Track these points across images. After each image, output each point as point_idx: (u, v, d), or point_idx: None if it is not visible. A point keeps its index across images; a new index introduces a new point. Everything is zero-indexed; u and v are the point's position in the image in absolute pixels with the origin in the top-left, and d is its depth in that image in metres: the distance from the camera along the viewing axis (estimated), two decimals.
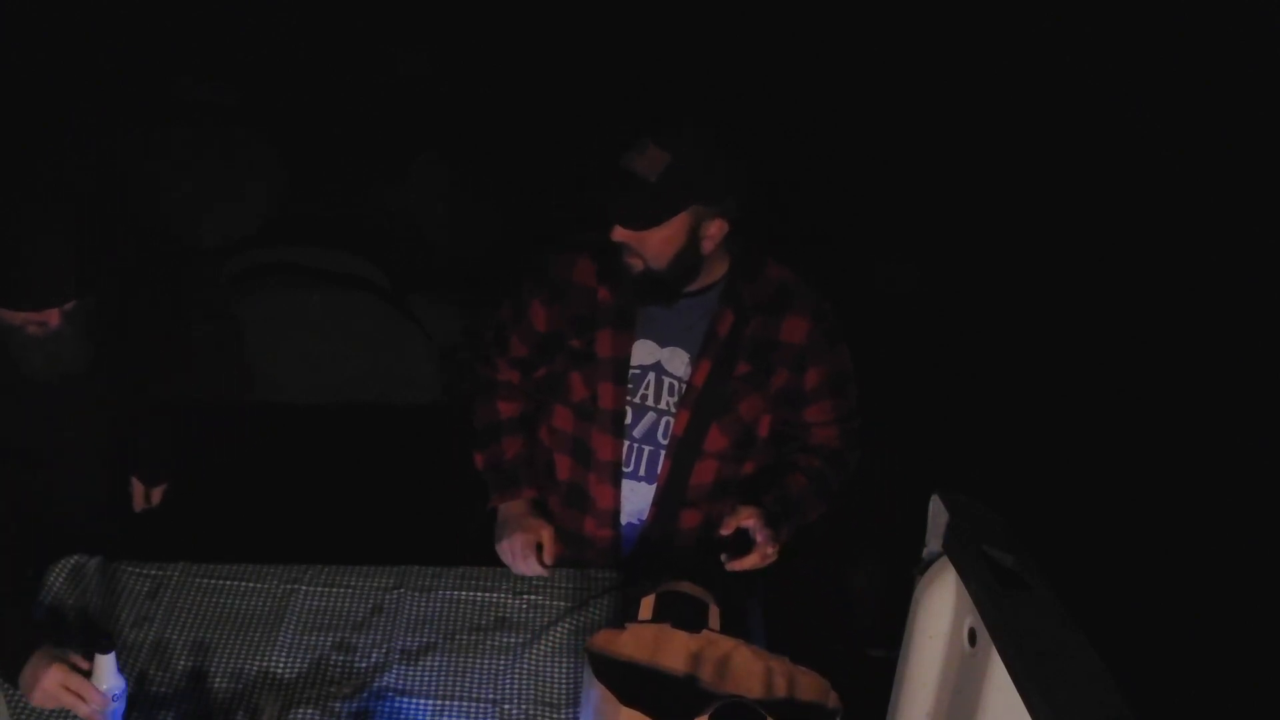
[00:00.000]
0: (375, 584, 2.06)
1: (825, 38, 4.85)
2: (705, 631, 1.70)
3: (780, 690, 1.66)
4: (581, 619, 1.99)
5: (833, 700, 1.60)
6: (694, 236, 1.87)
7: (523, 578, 2.08)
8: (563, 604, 2.02)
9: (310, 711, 1.75)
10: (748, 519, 1.89)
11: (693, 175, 1.82)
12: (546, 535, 2.07)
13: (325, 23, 4.79)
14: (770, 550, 1.91)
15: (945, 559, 1.52)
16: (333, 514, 3.30)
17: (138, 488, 2.43)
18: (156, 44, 4.58)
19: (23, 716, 1.70)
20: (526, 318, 2.08)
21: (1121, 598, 2.86)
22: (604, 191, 1.85)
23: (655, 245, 1.86)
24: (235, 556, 2.09)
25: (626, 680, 1.61)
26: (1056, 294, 4.39)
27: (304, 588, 2.04)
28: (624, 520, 2.11)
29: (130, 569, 2.05)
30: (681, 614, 1.72)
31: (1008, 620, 1.31)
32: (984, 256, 4.51)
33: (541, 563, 2.06)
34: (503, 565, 2.11)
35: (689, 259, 1.89)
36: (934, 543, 1.56)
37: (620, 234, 1.86)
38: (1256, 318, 4.14)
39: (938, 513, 1.55)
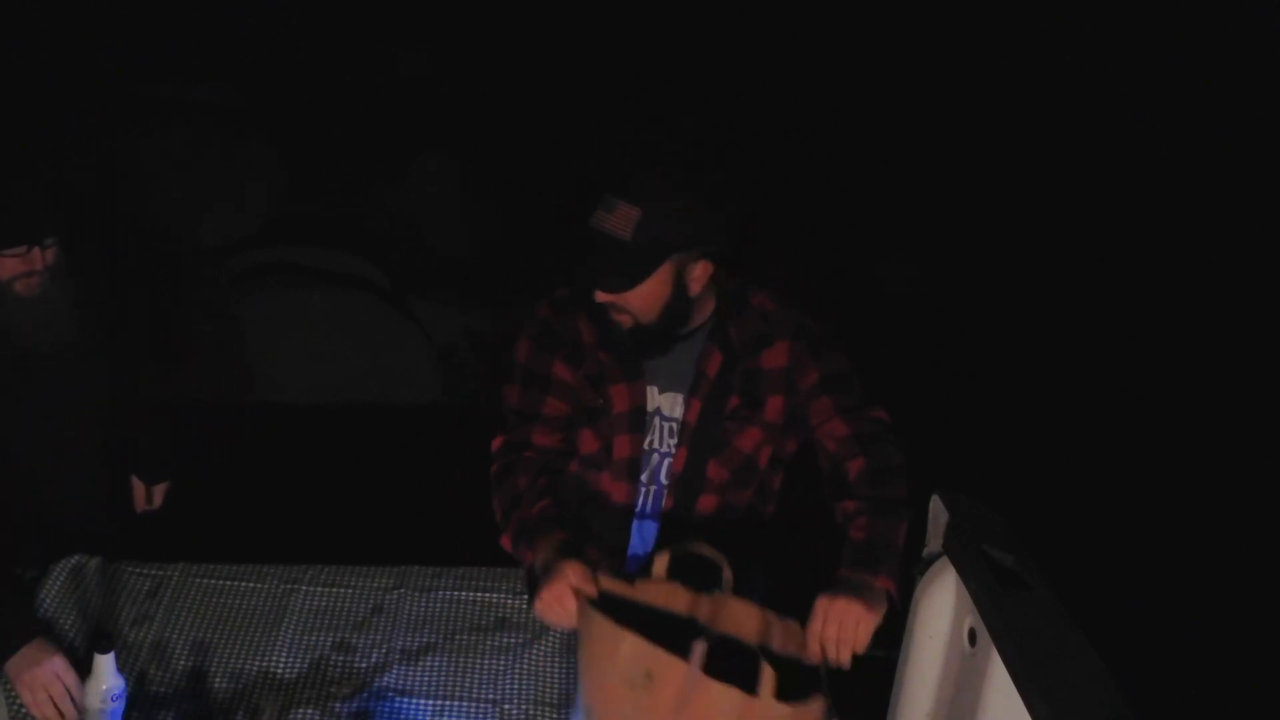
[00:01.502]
0: (375, 584, 2.06)
1: (825, 37, 4.85)
2: (716, 594, 1.64)
3: (776, 640, 1.63)
4: None
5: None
6: (680, 283, 1.83)
7: (523, 578, 2.08)
8: None
9: (310, 711, 1.75)
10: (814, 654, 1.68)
11: (667, 226, 1.77)
12: (573, 573, 1.77)
13: (326, 23, 4.79)
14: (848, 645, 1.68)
15: (945, 559, 1.52)
16: (333, 514, 3.30)
17: (138, 487, 2.43)
18: (156, 44, 4.58)
19: (23, 716, 1.70)
20: (554, 377, 1.98)
21: (1121, 598, 2.86)
22: (579, 256, 1.81)
23: (641, 300, 1.82)
24: (235, 556, 2.09)
25: (622, 612, 1.56)
26: (1056, 294, 4.39)
27: (304, 588, 2.04)
28: (630, 552, 2.09)
29: (130, 569, 2.05)
30: (694, 574, 1.65)
31: (1008, 620, 1.31)
32: (984, 257, 4.51)
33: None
34: (503, 565, 2.11)
35: (678, 306, 1.86)
36: (934, 543, 1.56)
37: (604, 295, 1.82)
38: (1256, 318, 4.14)
39: (938, 513, 1.55)
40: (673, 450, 1.99)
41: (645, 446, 1.99)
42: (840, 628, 1.60)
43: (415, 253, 4.63)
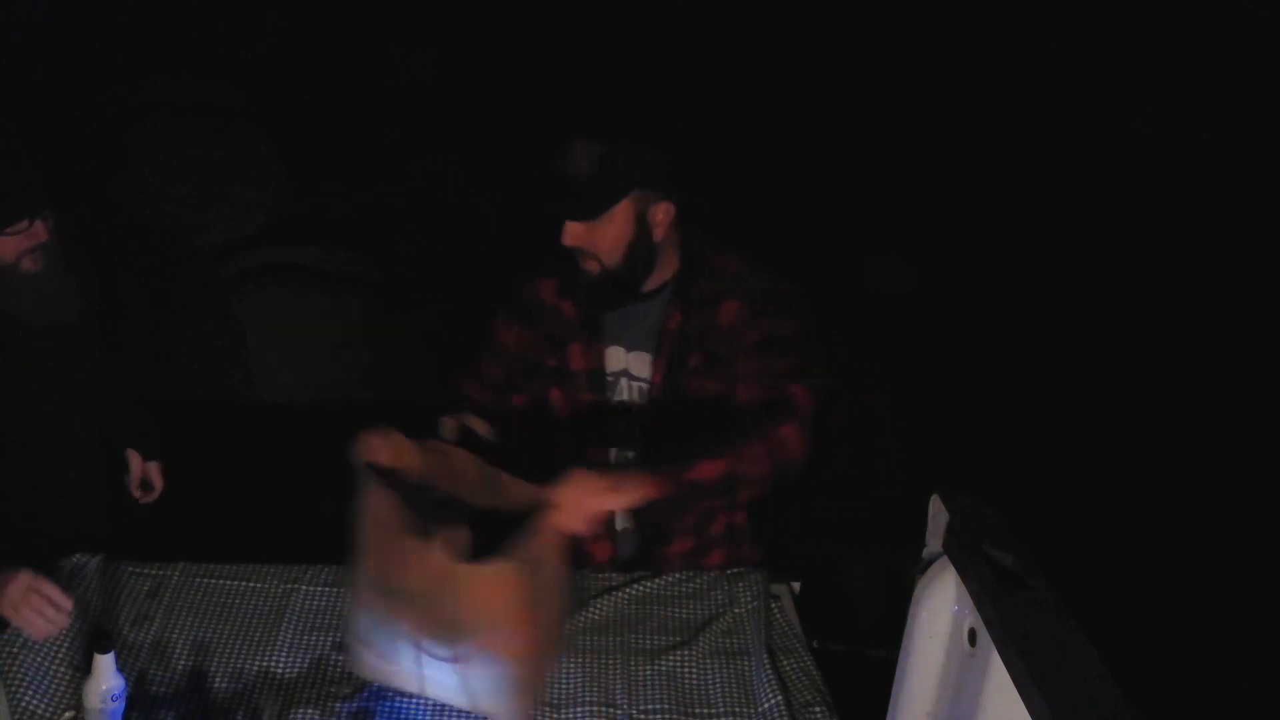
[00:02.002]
0: None
1: (824, 33, 4.85)
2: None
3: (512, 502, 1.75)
4: (582, 619, 1.99)
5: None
6: (643, 224, 1.90)
7: None
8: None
9: (310, 711, 1.75)
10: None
11: (628, 160, 1.86)
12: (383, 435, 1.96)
13: (326, 23, 4.79)
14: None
15: (945, 559, 1.52)
16: (333, 514, 3.30)
17: (135, 465, 2.41)
18: (156, 43, 4.58)
19: (23, 716, 1.70)
20: (495, 340, 2.12)
21: (1121, 598, 2.87)
22: (546, 195, 1.88)
23: (607, 241, 1.89)
24: (235, 556, 2.09)
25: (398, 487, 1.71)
26: (1056, 294, 4.39)
27: (304, 588, 2.04)
28: (618, 525, 2.13)
29: (130, 569, 2.05)
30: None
31: (1008, 620, 1.31)
32: (984, 256, 4.51)
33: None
34: None
35: (642, 249, 1.92)
36: (934, 543, 1.56)
37: (571, 236, 1.89)
38: (1256, 317, 4.14)
39: (938, 513, 1.55)
40: (642, 409, 2.02)
41: (614, 406, 2.03)
42: (580, 497, 1.69)
43: (414, 252, 4.63)
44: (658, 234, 1.92)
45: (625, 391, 2.06)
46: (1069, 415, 3.92)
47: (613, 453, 2.07)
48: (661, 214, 1.91)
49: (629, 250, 1.91)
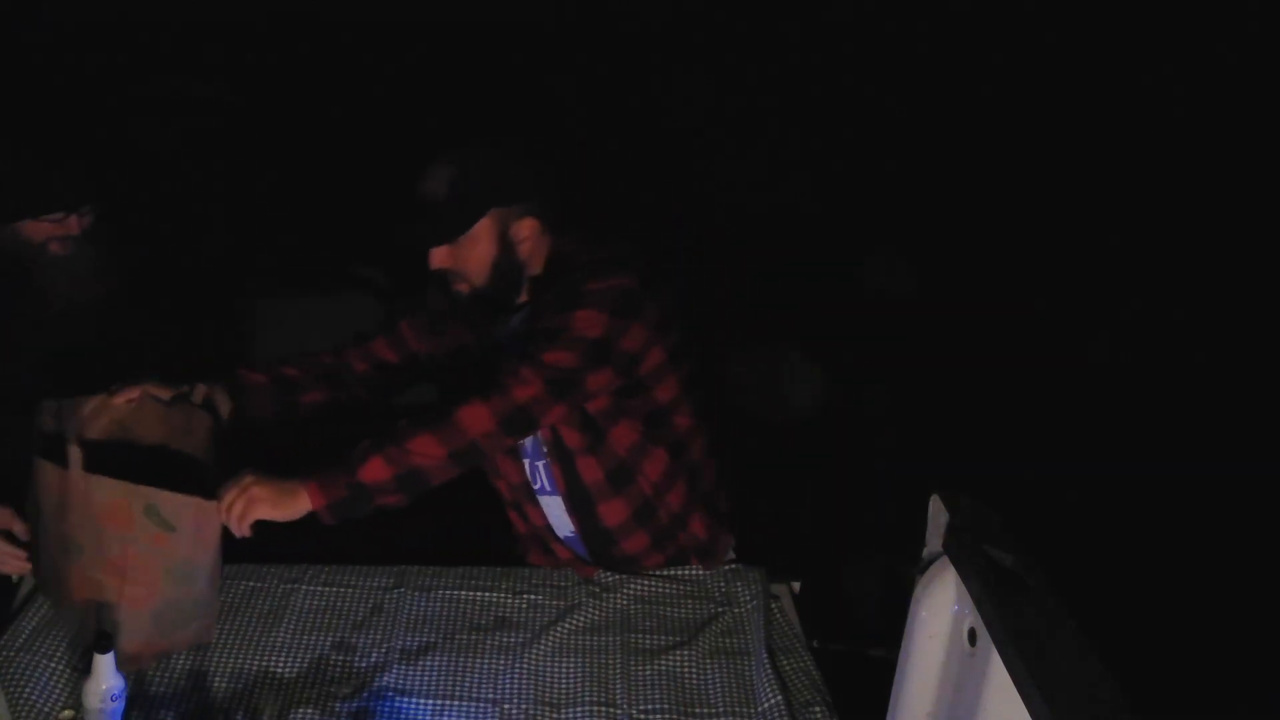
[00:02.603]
0: (375, 584, 2.06)
1: (824, 33, 4.85)
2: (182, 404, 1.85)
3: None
4: (581, 619, 1.99)
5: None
6: (506, 242, 1.89)
7: (523, 577, 2.09)
8: (562, 604, 2.02)
9: (310, 711, 1.75)
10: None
11: (481, 181, 1.85)
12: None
13: (327, 22, 4.79)
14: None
15: (945, 559, 1.52)
16: None
17: None
18: (157, 43, 4.58)
19: (23, 716, 1.70)
20: (398, 330, 2.13)
21: (1121, 598, 2.86)
22: (404, 223, 1.89)
23: (473, 263, 1.89)
24: (235, 556, 2.09)
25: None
26: (1056, 294, 4.39)
27: (304, 588, 2.04)
28: (560, 534, 2.14)
29: None
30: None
31: (1008, 620, 1.31)
32: (983, 256, 4.51)
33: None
34: (503, 565, 2.12)
35: (507, 267, 1.91)
36: (934, 543, 1.56)
37: (436, 260, 1.90)
38: (1256, 317, 4.14)
39: (938, 513, 1.55)
40: None
41: None
42: (242, 503, 1.69)
43: (415, 253, 4.63)
44: (523, 250, 1.91)
45: None
46: (1069, 415, 3.91)
47: (528, 466, 2.07)
48: (526, 230, 1.90)
49: (494, 269, 1.90)
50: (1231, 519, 3.47)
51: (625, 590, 2.06)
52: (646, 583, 2.08)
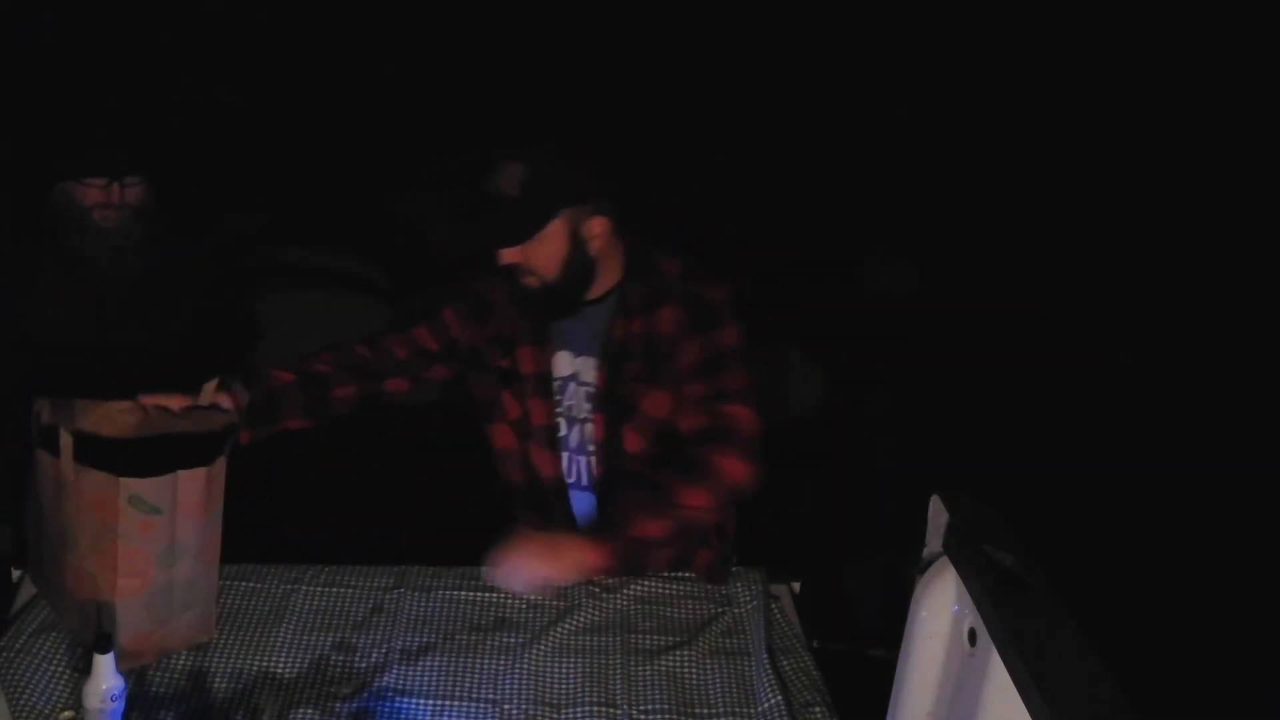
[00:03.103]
0: (375, 584, 2.06)
1: (824, 34, 4.85)
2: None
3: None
4: (581, 619, 1.99)
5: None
6: (577, 240, 1.91)
7: None
8: (562, 604, 2.02)
9: (310, 712, 1.75)
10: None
11: (553, 180, 1.86)
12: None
13: (327, 22, 4.79)
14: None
15: (945, 559, 1.52)
16: (333, 514, 3.30)
17: None
18: (157, 43, 4.57)
19: (23, 717, 1.70)
20: (439, 317, 2.12)
21: (1121, 598, 2.86)
22: (473, 221, 1.89)
23: (542, 258, 1.90)
24: (235, 556, 2.09)
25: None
26: (1057, 293, 4.39)
27: (304, 588, 2.04)
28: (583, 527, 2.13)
29: None
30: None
31: (1008, 620, 1.31)
32: (983, 256, 4.51)
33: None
34: None
35: (579, 263, 1.92)
36: (934, 543, 1.56)
37: (504, 256, 1.90)
38: (1256, 317, 4.14)
39: (938, 513, 1.55)
40: (590, 416, 2.01)
41: (565, 413, 2.03)
42: (524, 562, 1.79)
43: (416, 253, 4.63)
44: (594, 246, 1.93)
45: (573, 396, 2.06)
46: (1069, 415, 3.91)
47: (566, 458, 2.07)
48: (596, 227, 1.92)
49: (566, 265, 1.92)
50: (1231, 519, 3.47)
51: (625, 591, 2.06)
52: (646, 583, 2.08)
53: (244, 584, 2.04)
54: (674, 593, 2.07)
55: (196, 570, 1.81)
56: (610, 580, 2.08)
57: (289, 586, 2.04)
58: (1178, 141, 4.52)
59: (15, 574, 2.00)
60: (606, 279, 2.00)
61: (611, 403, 2.01)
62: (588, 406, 2.04)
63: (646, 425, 2.01)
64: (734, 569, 2.14)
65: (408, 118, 4.82)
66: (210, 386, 1.90)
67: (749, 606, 2.03)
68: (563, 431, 2.06)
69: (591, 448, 2.05)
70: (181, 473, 1.72)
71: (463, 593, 2.04)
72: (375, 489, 3.56)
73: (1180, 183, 4.51)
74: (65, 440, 1.68)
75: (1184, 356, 4.07)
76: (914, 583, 1.58)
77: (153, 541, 1.73)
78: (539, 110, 4.56)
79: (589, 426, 2.05)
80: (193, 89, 4.64)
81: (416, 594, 2.04)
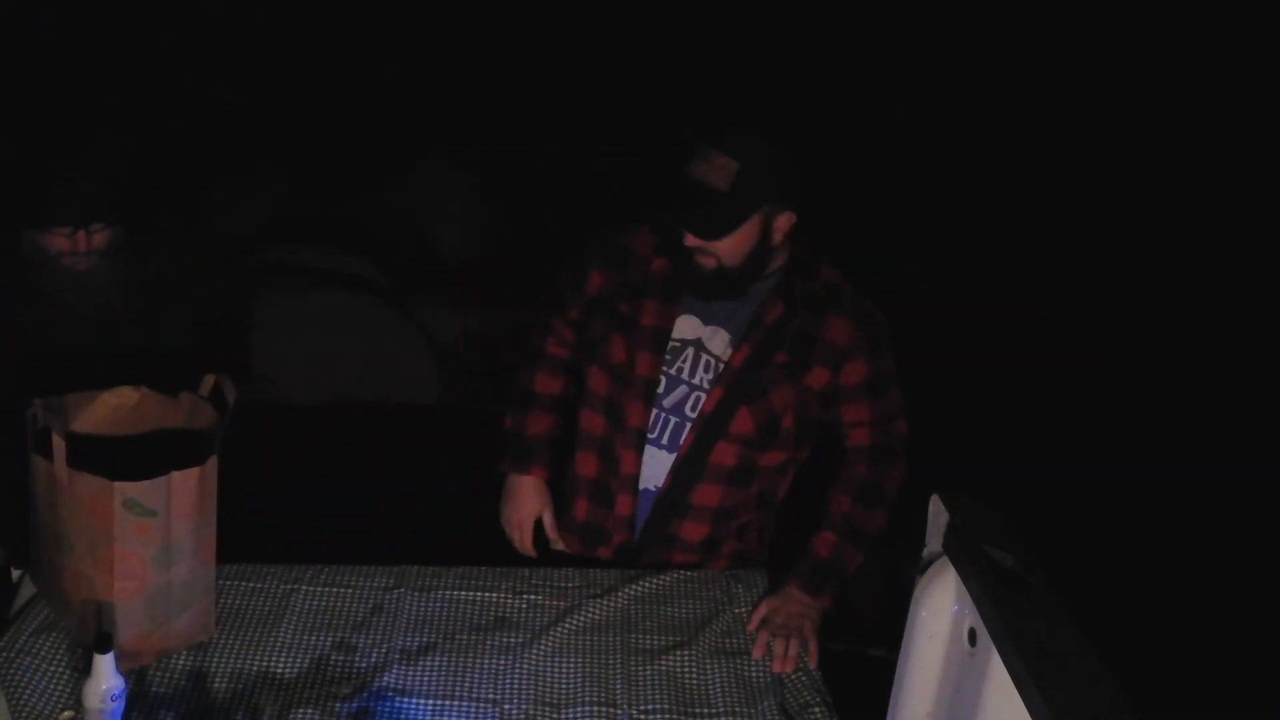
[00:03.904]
0: (375, 584, 2.06)
1: (822, 34, 4.85)
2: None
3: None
4: (581, 619, 1.99)
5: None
6: (765, 233, 1.95)
7: (522, 577, 2.09)
8: (562, 604, 2.02)
9: (310, 711, 1.75)
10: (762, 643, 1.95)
11: (762, 179, 1.89)
12: (547, 516, 2.16)
13: (328, 21, 4.79)
14: (796, 649, 1.94)
15: (945, 559, 1.52)
16: (333, 514, 3.30)
17: None
18: (157, 43, 4.57)
19: (23, 717, 1.70)
20: (583, 283, 2.15)
21: (1121, 598, 2.86)
22: (677, 205, 1.91)
23: (729, 246, 1.93)
24: (235, 556, 2.09)
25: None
26: (1057, 293, 4.39)
27: (304, 588, 2.04)
28: (641, 486, 2.13)
29: None
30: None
31: (1008, 620, 1.31)
32: (983, 256, 4.51)
33: (536, 544, 2.17)
34: (503, 565, 2.12)
35: (761, 254, 1.97)
36: (934, 543, 1.56)
37: (694, 240, 1.92)
38: (1256, 317, 4.14)
39: (938, 513, 1.55)
40: (707, 387, 2.02)
41: (672, 373, 2.04)
42: (785, 643, 1.90)
43: (415, 253, 4.63)
44: (777, 239, 1.97)
45: (689, 361, 2.05)
46: (1069, 415, 3.91)
47: (655, 414, 2.08)
48: (784, 222, 1.95)
49: (749, 256, 1.95)
50: (1231, 519, 3.47)
51: (625, 590, 2.06)
52: (647, 583, 2.08)
53: (244, 584, 2.04)
54: (674, 592, 2.07)
55: (194, 570, 1.81)
56: (610, 579, 2.09)
57: (289, 586, 2.04)
58: (1177, 142, 4.52)
59: (15, 574, 2.00)
60: (770, 264, 2.03)
61: (740, 382, 2.02)
62: (708, 377, 2.05)
63: (765, 413, 2.04)
64: (734, 570, 2.15)
65: (407, 118, 4.82)
66: (211, 379, 1.90)
67: (749, 606, 2.03)
68: (661, 389, 2.06)
69: (692, 414, 2.05)
70: (175, 474, 1.72)
71: (463, 593, 2.04)
72: (375, 489, 3.56)
73: (1180, 183, 4.51)
74: (58, 444, 1.68)
75: (1184, 356, 4.07)
76: (914, 583, 1.58)
77: (149, 544, 1.73)
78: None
79: (698, 395, 2.05)
80: (193, 89, 4.64)
81: (416, 594, 2.04)
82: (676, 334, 2.05)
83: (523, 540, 2.18)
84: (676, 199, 1.91)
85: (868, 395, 2.06)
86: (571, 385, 2.21)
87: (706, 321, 2.05)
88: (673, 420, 2.06)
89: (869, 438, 2.09)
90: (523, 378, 2.21)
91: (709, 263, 1.94)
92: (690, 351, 2.05)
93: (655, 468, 2.09)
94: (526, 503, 2.17)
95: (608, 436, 2.12)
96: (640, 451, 2.09)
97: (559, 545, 2.20)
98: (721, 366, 2.03)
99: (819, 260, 2.07)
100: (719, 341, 2.04)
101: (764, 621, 1.96)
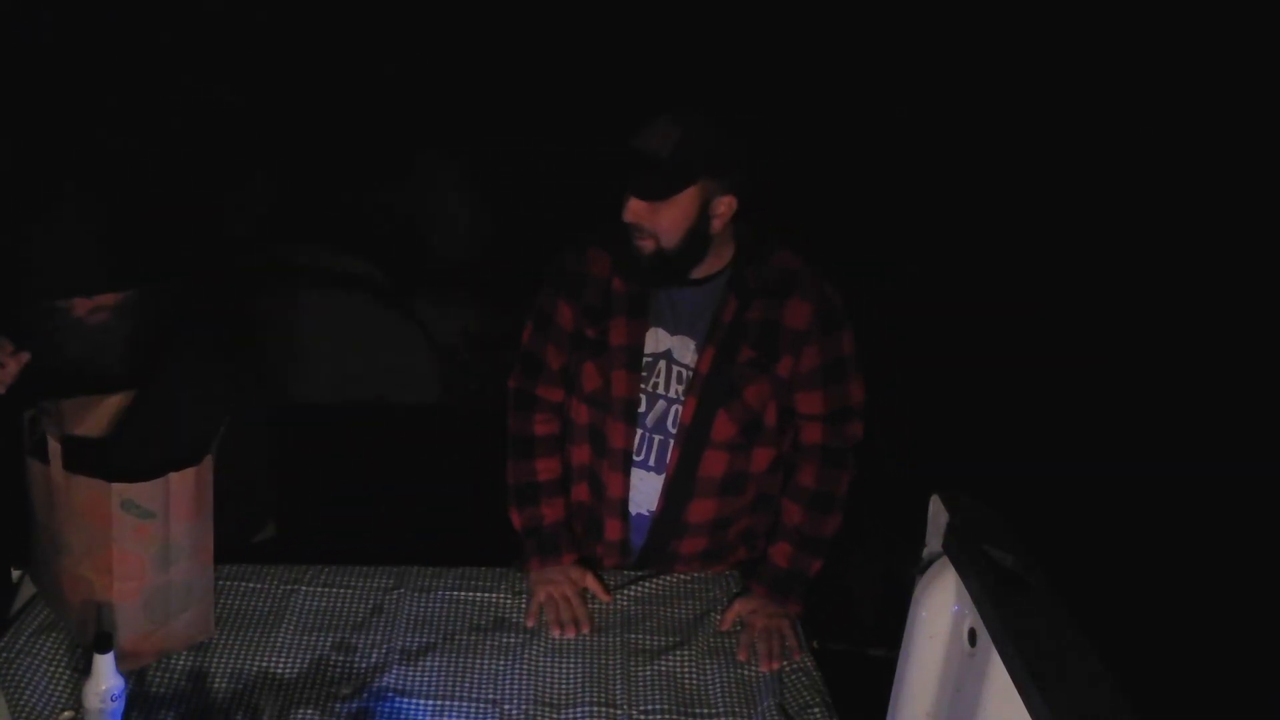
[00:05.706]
0: (375, 584, 2.06)
1: (822, 34, 4.85)
2: None
3: None
4: None
5: None
6: (704, 214, 1.91)
7: (522, 577, 2.09)
8: None
9: (310, 711, 1.75)
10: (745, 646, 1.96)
11: (703, 149, 1.87)
12: (592, 582, 2.07)
13: (328, 21, 4.79)
14: (779, 647, 1.95)
15: (945, 559, 1.52)
16: (333, 514, 3.30)
17: None
18: (157, 43, 4.57)
19: (23, 718, 1.70)
20: (555, 323, 2.08)
21: (1122, 598, 2.86)
22: (619, 169, 1.89)
23: (667, 222, 1.89)
24: (235, 556, 2.09)
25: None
26: (1057, 293, 4.39)
27: (304, 588, 2.04)
28: (633, 511, 2.10)
29: None
30: None
31: (1008, 620, 1.31)
32: (983, 256, 4.51)
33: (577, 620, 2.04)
34: (502, 565, 2.12)
35: (698, 237, 1.93)
36: (934, 543, 1.56)
37: (633, 213, 1.90)
38: (1256, 317, 4.14)
39: (938, 513, 1.55)
40: (681, 398, 2.01)
41: (649, 389, 2.02)
42: (769, 644, 1.92)
43: (415, 253, 4.63)
44: (716, 225, 1.93)
45: (662, 375, 2.03)
46: (1069, 415, 3.91)
47: (639, 435, 2.05)
48: (724, 207, 1.92)
49: (687, 235, 1.91)
50: (1231, 519, 3.47)
51: (625, 591, 2.06)
52: (646, 583, 2.08)
53: (244, 584, 2.04)
54: (674, 593, 2.07)
55: (192, 570, 1.81)
56: (610, 580, 2.08)
57: (289, 586, 2.04)
58: (1177, 142, 4.52)
59: (15, 574, 2.00)
60: (714, 261, 1.99)
61: (711, 386, 2.00)
62: (679, 388, 2.02)
63: (743, 413, 2.01)
64: (733, 572, 2.15)
65: (407, 117, 4.82)
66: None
67: None
68: (642, 408, 2.04)
69: (673, 429, 2.03)
70: (173, 475, 1.72)
71: (463, 593, 2.04)
72: (375, 489, 3.56)
73: (1179, 183, 4.51)
74: (54, 448, 1.68)
75: (1184, 356, 4.07)
76: (914, 583, 1.58)
77: (147, 545, 1.73)
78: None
79: (675, 408, 2.02)
80: (193, 89, 4.64)
81: (416, 594, 2.04)
82: (647, 349, 2.03)
83: (576, 611, 2.01)
84: (619, 164, 1.90)
85: (822, 382, 2.02)
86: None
87: (672, 332, 2.02)
88: (656, 439, 2.04)
89: (821, 435, 2.05)
90: (515, 469, 2.12)
91: (648, 245, 1.92)
92: (662, 365, 2.03)
93: (646, 491, 2.07)
94: (567, 581, 2.07)
95: (593, 464, 2.10)
96: (626, 474, 2.06)
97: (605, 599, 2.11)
98: (691, 374, 2.01)
99: (771, 247, 2.03)
100: (686, 350, 2.01)
101: (743, 624, 1.97)
